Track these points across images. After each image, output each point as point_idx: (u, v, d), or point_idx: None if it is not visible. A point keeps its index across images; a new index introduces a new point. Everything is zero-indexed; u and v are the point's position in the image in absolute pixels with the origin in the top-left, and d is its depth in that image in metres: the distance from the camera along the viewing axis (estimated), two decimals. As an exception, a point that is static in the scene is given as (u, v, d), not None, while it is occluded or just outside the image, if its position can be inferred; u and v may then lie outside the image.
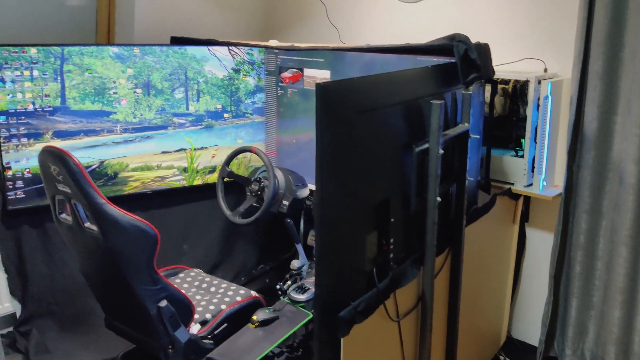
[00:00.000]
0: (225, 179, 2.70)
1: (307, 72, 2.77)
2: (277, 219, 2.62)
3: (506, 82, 2.43)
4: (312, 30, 3.36)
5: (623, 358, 2.36)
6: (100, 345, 2.60)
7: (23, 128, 2.49)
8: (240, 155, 2.77)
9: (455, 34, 2.09)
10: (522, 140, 2.42)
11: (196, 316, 2.12)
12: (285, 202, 2.58)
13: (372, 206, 1.67)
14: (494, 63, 2.21)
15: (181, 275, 2.48)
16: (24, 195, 2.52)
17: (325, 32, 3.26)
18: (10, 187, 2.49)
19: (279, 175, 2.61)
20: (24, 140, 2.49)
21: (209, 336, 2.12)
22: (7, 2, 2.75)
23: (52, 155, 1.85)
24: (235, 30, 3.40)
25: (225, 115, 2.94)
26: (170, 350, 2.01)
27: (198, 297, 2.29)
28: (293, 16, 3.46)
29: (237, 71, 2.93)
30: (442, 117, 1.74)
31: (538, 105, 2.38)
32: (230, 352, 2.06)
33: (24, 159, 2.50)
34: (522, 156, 2.43)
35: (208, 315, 2.16)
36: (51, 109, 2.53)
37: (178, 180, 2.88)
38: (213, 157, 2.95)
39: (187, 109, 2.84)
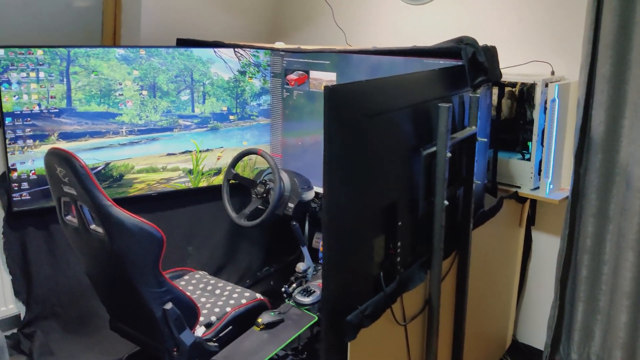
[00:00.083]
0: (230, 181, 2.69)
1: (313, 74, 2.77)
2: (282, 221, 2.62)
3: (513, 84, 2.42)
4: (319, 32, 3.36)
5: (629, 363, 2.35)
6: (104, 347, 2.60)
7: (29, 129, 2.49)
8: (246, 158, 2.77)
9: (463, 36, 2.09)
10: (529, 144, 2.41)
11: (201, 319, 2.11)
12: (291, 205, 2.58)
13: (379, 210, 1.66)
14: (501, 66, 2.20)
15: (186, 277, 2.47)
16: (29, 197, 2.52)
17: (331, 34, 3.26)
18: (16, 188, 2.49)
19: (285, 177, 2.61)
20: (30, 141, 2.49)
21: (214, 339, 2.11)
22: (13, 4, 2.76)
23: (58, 157, 1.85)
24: (241, 32, 3.40)
25: (231, 117, 2.94)
26: (175, 353, 2.00)
27: (203, 299, 2.29)
28: (299, 18, 3.46)
29: (242, 73, 2.93)
30: (450, 120, 1.74)
31: (545, 108, 2.37)
32: (235, 354, 2.05)
33: (30, 161, 2.50)
34: (528, 159, 2.43)
35: (213, 318, 2.16)
36: (57, 110, 2.53)
37: (183, 182, 2.88)
38: (218, 159, 2.94)
39: (193, 111, 2.84)
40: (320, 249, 2.78)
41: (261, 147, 2.78)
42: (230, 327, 2.17)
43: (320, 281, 2.33)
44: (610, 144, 2.30)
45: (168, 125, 2.79)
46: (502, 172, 2.48)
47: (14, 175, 2.48)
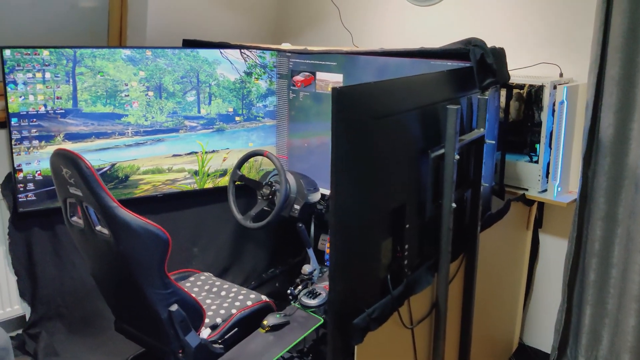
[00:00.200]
0: (236, 183, 2.69)
1: (320, 75, 2.76)
2: (288, 223, 2.61)
3: (521, 86, 2.41)
4: (325, 33, 3.35)
5: (638, 367, 2.33)
6: (109, 348, 2.59)
7: (34, 130, 2.49)
8: (252, 159, 2.76)
9: (471, 38, 2.07)
10: (537, 146, 2.40)
11: (206, 320, 2.11)
12: (297, 207, 2.57)
13: (387, 212, 1.65)
14: (509, 67, 2.19)
15: (191, 279, 2.47)
16: (34, 198, 2.52)
17: (338, 35, 3.25)
18: (21, 189, 2.49)
19: (291, 179, 2.60)
20: (36, 142, 2.49)
21: (219, 341, 2.11)
22: (19, 4, 2.76)
23: (64, 158, 1.85)
24: (248, 33, 3.39)
25: (237, 118, 2.93)
26: (180, 355, 2.00)
27: (208, 301, 2.28)
28: (306, 19, 3.45)
29: (249, 74, 2.92)
30: (458, 122, 1.72)
31: (553, 111, 2.35)
32: (240, 356, 2.04)
33: (35, 162, 2.50)
34: (536, 162, 2.41)
35: (218, 320, 2.15)
36: (63, 111, 2.53)
37: (189, 184, 2.87)
38: (224, 160, 2.94)
39: (199, 112, 2.83)
40: (327, 250, 2.77)
41: (267, 149, 2.77)
42: (236, 329, 2.16)
43: (326, 283, 2.32)
44: (619, 147, 2.28)
45: (174, 126, 2.78)
46: (510, 174, 2.46)
47: (20, 176, 2.48)
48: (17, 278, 2.63)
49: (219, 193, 2.88)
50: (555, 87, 2.34)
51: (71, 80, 2.53)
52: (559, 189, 2.45)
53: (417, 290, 1.76)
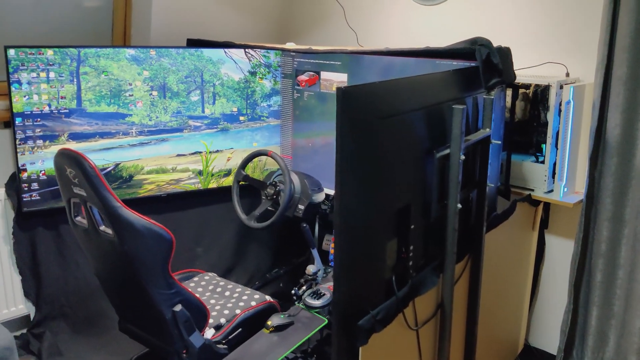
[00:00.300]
0: (240, 183, 2.68)
1: (324, 75, 2.75)
2: (292, 223, 2.60)
3: (527, 86, 2.39)
4: (330, 33, 3.34)
5: (645, 369, 2.32)
6: (113, 348, 2.59)
7: (39, 130, 2.48)
8: (256, 159, 2.76)
9: (477, 37, 2.06)
10: (543, 146, 2.38)
11: (210, 320, 2.10)
12: (301, 207, 2.56)
13: (392, 213, 1.64)
14: (515, 67, 2.18)
15: (195, 279, 2.46)
16: (38, 198, 2.52)
17: (343, 35, 3.24)
18: (26, 189, 2.49)
19: (295, 179, 2.59)
20: (40, 142, 2.49)
21: (223, 341, 2.10)
22: (23, 4, 2.76)
23: (68, 158, 1.84)
24: (252, 33, 3.39)
25: (241, 118, 2.92)
26: (184, 355, 1.99)
27: (212, 301, 2.27)
28: (310, 19, 3.44)
29: (253, 74, 2.91)
30: (464, 122, 1.71)
31: (560, 110, 2.33)
32: (244, 357, 2.03)
33: (40, 161, 2.50)
34: (542, 162, 2.39)
35: (222, 320, 2.15)
36: (67, 110, 2.53)
37: (193, 183, 2.87)
38: (228, 160, 2.93)
39: (203, 111, 2.83)
40: (331, 251, 2.76)
41: (271, 149, 2.76)
42: (240, 329, 2.15)
43: (330, 284, 2.32)
44: (626, 147, 2.26)
45: (178, 126, 2.78)
46: (516, 174, 2.45)
47: (24, 175, 2.48)
48: (21, 278, 2.63)
49: (223, 193, 2.87)
50: (561, 87, 2.32)
51: (75, 80, 2.52)
52: (565, 189, 2.43)
53: (422, 291, 1.75)
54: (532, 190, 2.43)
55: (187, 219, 2.95)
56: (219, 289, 2.37)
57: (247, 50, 2.88)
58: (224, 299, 2.30)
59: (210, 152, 2.88)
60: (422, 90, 1.75)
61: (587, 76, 2.43)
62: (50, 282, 2.63)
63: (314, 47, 2.79)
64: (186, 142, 2.80)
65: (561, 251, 2.65)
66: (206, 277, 2.47)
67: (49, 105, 2.49)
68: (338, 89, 1.38)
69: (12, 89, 2.41)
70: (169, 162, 2.79)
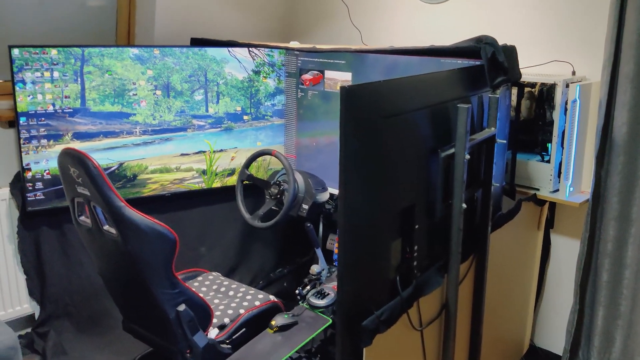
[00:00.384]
0: (244, 182, 2.67)
1: (328, 74, 2.74)
2: (296, 222, 2.59)
3: (533, 85, 2.38)
4: (334, 31, 3.33)
5: (651, 370, 2.30)
6: (117, 347, 2.59)
7: (43, 129, 2.49)
8: (260, 158, 2.75)
9: (482, 35, 2.05)
10: (549, 145, 2.36)
11: (214, 320, 2.10)
12: (305, 206, 2.56)
13: (396, 212, 1.63)
14: (520, 65, 2.16)
15: (199, 278, 2.46)
16: (43, 197, 2.52)
17: (347, 33, 3.23)
18: (30, 188, 2.49)
19: (299, 178, 2.59)
20: (44, 141, 2.49)
21: (227, 341, 2.10)
22: (27, 4, 2.76)
23: (71, 158, 1.84)
24: (256, 32, 3.38)
25: (245, 117, 2.92)
26: (188, 355, 1.99)
27: (216, 300, 2.27)
28: (314, 17, 3.43)
29: (257, 73, 2.90)
30: (469, 121, 1.70)
31: (566, 109, 2.32)
32: (248, 357, 2.03)
33: (44, 161, 2.50)
34: (548, 161, 2.38)
35: (226, 320, 2.14)
36: (71, 110, 2.53)
37: (197, 183, 2.87)
38: (232, 159, 2.93)
39: (207, 111, 2.82)
40: (335, 250, 2.75)
41: (275, 148, 2.75)
42: (244, 329, 2.15)
43: (334, 283, 2.31)
44: (632, 146, 2.24)
45: (182, 125, 2.77)
46: (521, 174, 2.43)
47: (28, 175, 2.48)
48: (26, 277, 2.63)
49: (226, 192, 2.87)
50: (567, 86, 2.31)
51: (79, 79, 2.52)
52: (571, 188, 2.41)
53: (427, 291, 1.74)
54: (538, 189, 2.41)
55: (191, 218, 2.95)
56: (222, 289, 2.37)
57: (251, 49, 2.87)
58: (227, 298, 2.29)
59: (214, 152, 2.87)
60: (427, 89, 1.74)
61: (594, 74, 2.41)
62: (55, 282, 2.64)
63: (318, 46, 2.78)
64: (190, 141, 2.80)
65: (567, 251, 2.63)
66: (210, 277, 2.47)
67: (53, 105, 2.49)
68: (342, 88, 1.38)
69: (17, 88, 2.41)
70: (172, 162, 2.78)
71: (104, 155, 2.60)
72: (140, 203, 2.05)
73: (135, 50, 2.62)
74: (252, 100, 2.92)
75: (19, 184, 2.55)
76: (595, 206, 2.36)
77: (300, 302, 2.30)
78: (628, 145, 2.25)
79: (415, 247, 1.69)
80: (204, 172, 2.87)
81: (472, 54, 2.05)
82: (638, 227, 2.28)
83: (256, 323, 2.18)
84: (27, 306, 2.68)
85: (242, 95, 2.89)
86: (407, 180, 1.67)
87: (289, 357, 2.05)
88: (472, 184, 1.90)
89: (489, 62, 1.97)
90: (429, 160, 1.72)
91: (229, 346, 2.08)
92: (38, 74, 2.44)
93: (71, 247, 2.64)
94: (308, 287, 2.34)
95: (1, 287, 2.60)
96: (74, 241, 2.62)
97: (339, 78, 2.69)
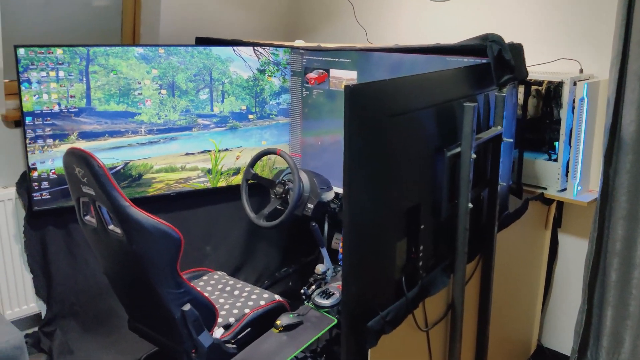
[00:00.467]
0: (249, 181, 2.67)
1: (333, 72, 2.73)
2: (301, 222, 2.59)
3: (540, 83, 2.36)
4: (339, 30, 3.32)
5: (661, 371, 2.28)
6: (122, 346, 2.60)
7: (48, 129, 2.49)
8: (265, 157, 2.74)
9: (489, 33, 2.03)
10: (556, 144, 2.34)
11: (219, 320, 2.10)
12: (310, 205, 2.55)
13: (402, 212, 1.62)
14: (527, 64, 2.14)
15: (204, 278, 2.46)
16: (49, 196, 2.52)
17: (352, 32, 3.22)
18: (36, 188, 2.49)
19: (304, 177, 2.58)
20: (50, 141, 2.50)
21: (232, 340, 2.10)
22: (33, 3, 2.76)
23: (76, 157, 1.84)
24: (261, 31, 3.38)
25: (250, 116, 2.91)
26: (193, 354, 1.99)
27: (221, 300, 2.27)
28: (319, 16, 3.42)
29: (262, 72, 2.90)
30: (475, 120, 1.68)
31: (573, 107, 2.30)
32: (253, 357, 2.02)
33: (50, 160, 2.51)
34: (555, 160, 2.36)
35: (231, 319, 2.14)
36: (76, 109, 2.53)
37: (202, 182, 2.86)
38: (237, 158, 2.92)
39: (212, 110, 2.82)
40: (340, 250, 2.74)
41: (280, 147, 2.75)
42: (249, 328, 2.14)
43: (339, 283, 2.30)
44: (641, 144, 2.22)
45: (187, 125, 2.77)
46: (528, 173, 2.41)
47: (34, 174, 2.49)
48: (32, 276, 2.64)
49: (232, 191, 2.87)
50: (575, 84, 2.29)
51: (84, 79, 2.52)
52: (579, 187, 2.39)
53: (433, 292, 1.73)
54: (545, 188, 2.40)
55: (196, 217, 2.95)
56: (228, 288, 2.36)
57: (255, 48, 2.87)
58: (233, 298, 2.29)
59: (219, 151, 2.87)
60: (432, 87, 1.72)
61: (602, 72, 2.39)
62: (61, 281, 2.64)
63: (323, 45, 2.77)
64: (195, 140, 2.80)
65: (575, 250, 2.61)
66: (215, 276, 2.47)
67: (59, 104, 2.49)
68: (346, 86, 1.37)
69: (22, 88, 2.42)
70: (178, 161, 2.78)
71: (109, 154, 2.60)
72: (145, 202, 2.04)
73: (140, 50, 2.62)
74: (257, 99, 2.91)
75: (25, 184, 2.56)
76: (604, 205, 2.34)
77: (305, 302, 2.29)
78: (637, 144, 2.22)
79: (421, 247, 1.68)
80: (209, 172, 2.87)
81: (478, 52, 2.04)
82: (647, 227, 2.26)
83: (261, 323, 2.17)
84: (33, 305, 2.68)
85: (247, 94, 2.89)
86: (413, 179, 1.66)
87: (294, 356, 2.04)
88: (479, 183, 1.89)
89: (496, 60, 1.95)
90: (434, 160, 1.70)
91: (234, 346, 2.08)
92: (43, 73, 2.44)
93: (77, 246, 2.64)
94: (313, 287, 2.34)
95: (8, 286, 2.61)
96: (79, 240, 2.62)
97: (344, 77, 2.68)
